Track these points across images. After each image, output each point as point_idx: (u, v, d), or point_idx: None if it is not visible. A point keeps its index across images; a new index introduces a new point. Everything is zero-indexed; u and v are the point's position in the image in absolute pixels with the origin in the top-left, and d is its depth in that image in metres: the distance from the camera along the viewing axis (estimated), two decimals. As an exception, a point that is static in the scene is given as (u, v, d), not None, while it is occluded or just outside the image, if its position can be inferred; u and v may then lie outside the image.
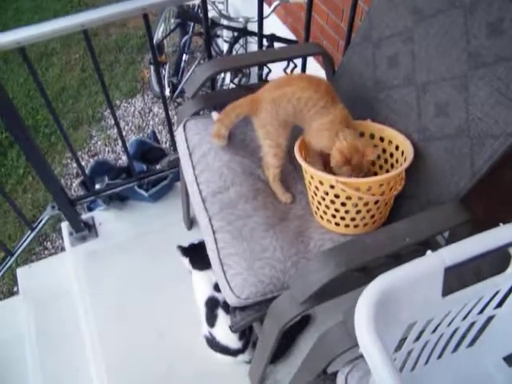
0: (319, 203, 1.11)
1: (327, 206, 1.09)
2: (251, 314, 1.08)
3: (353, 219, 1.09)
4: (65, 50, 3.79)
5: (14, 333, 1.76)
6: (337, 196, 1.06)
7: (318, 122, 1.14)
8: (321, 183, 1.06)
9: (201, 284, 1.45)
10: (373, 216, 1.09)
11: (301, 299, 0.94)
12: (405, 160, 1.11)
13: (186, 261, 1.47)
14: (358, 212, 1.07)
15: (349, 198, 1.05)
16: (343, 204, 1.06)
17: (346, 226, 1.11)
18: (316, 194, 1.10)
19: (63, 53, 3.77)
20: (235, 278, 1.07)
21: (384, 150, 1.21)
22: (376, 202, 1.06)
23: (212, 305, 1.41)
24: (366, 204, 1.06)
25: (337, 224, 1.12)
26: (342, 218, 1.10)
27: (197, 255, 1.44)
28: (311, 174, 1.08)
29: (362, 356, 0.64)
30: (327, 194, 1.07)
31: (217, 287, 1.39)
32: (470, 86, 1.04)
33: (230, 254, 1.10)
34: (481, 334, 0.96)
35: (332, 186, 1.04)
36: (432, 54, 1.13)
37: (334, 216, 1.11)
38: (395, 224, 1.02)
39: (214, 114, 1.32)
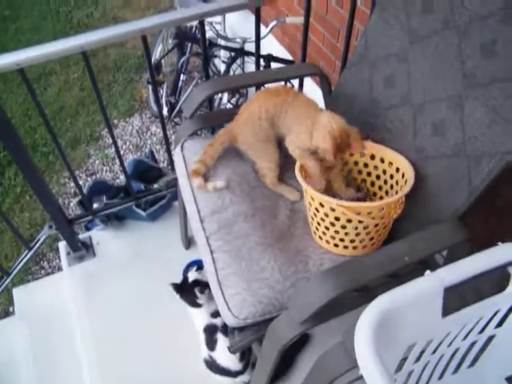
0: (318, 224, 1.11)
1: (327, 228, 1.09)
2: (250, 335, 1.07)
3: (352, 241, 1.09)
4: (63, 70, 3.81)
5: (10, 353, 1.73)
6: (337, 219, 1.05)
7: (292, 119, 1.18)
8: (321, 205, 1.06)
9: (197, 314, 1.45)
10: (372, 238, 1.09)
11: (300, 320, 0.94)
12: (405, 183, 1.11)
13: (177, 296, 1.46)
14: (358, 234, 1.07)
15: (349, 220, 1.04)
16: (343, 226, 1.06)
17: (345, 247, 1.11)
18: (316, 215, 1.10)
19: (62, 73, 3.80)
20: (234, 299, 1.06)
21: (384, 171, 1.22)
22: (376, 225, 1.06)
23: (211, 331, 1.40)
24: (366, 227, 1.06)
25: (336, 245, 1.12)
26: (342, 240, 1.10)
27: (189, 294, 1.42)
28: (312, 195, 1.08)
29: (362, 377, 0.64)
30: (327, 215, 1.06)
31: (213, 314, 1.39)
32: (466, 105, 1.05)
33: (229, 274, 1.10)
34: (482, 353, 0.96)
35: (332, 209, 1.04)
36: (427, 75, 1.14)
37: (333, 237, 1.10)
38: (394, 244, 1.02)
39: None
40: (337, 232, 1.08)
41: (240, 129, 1.25)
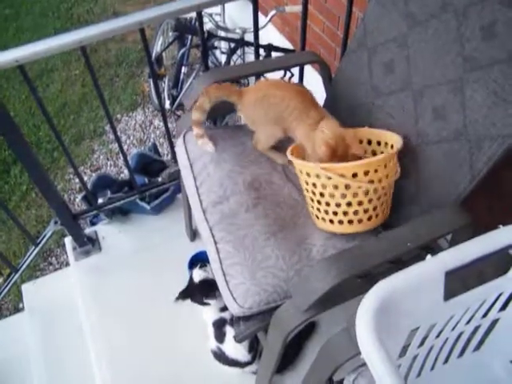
0: (312, 200, 1.11)
1: (319, 202, 1.09)
2: (255, 324, 1.08)
3: (345, 213, 1.07)
4: (65, 67, 3.82)
5: (20, 349, 1.75)
6: (324, 186, 1.05)
7: (300, 132, 1.19)
8: (308, 175, 1.07)
9: (206, 309, 1.46)
10: (366, 211, 1.07)
11: (303, 307, 0.94)
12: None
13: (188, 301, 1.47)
14: (349, 205, 1.06)
15: (336, 187, 1.04)
16: (331, 195, 1.05)
17: (340, 222, 1.09)
18: (308, 191, 1.11)
19: (64, 69, 3.80)
20: (238, 288, 1.07)
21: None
22: (366, 194, 1.05)
23: (219, 325, 1.41)
24: (356, 195, 1.04)
25: (331, 221, 1.10)
26: (335, 213, 1.08)
27: (197, 296, 1.43)
28: (295, 164, 1.10)
29: (367, 363, 0.64)
30: (315, 185, 1.07)
31: (222, 309, 1.40)
32: (466, 89, 1.04)
33: (233, 264, 1.10)
34: (486, 337, 0.96)
35: (318, 176, 1.04)
36: (427, 59, 1.13)
37: (326, 212, 1.09)
38: (396, 229, 1.02)
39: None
40: (328, 204, 1.07)
41: (251, 101, 1.25)
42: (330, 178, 1.02)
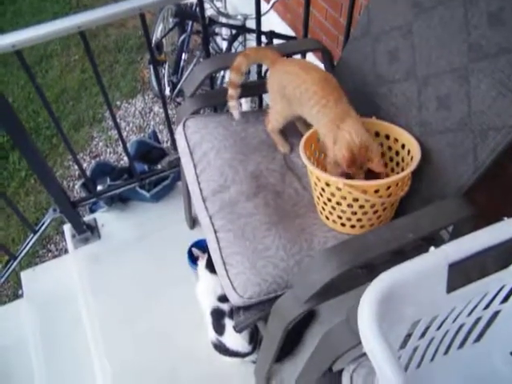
0: (325, 203, 1.10)
1: (333, 207, 1.07)
2: (255, 314, 1.07)
3: (359, 220, 1.08)
4: (64, 52, 3.78)
5: (18, 335, 1.76)
6: (343, 198, 1.04)
7: (322, 123, 1.13)
8: (327, 185, 1.04)
9: (204, 296, 1.45)
10: (379, 217, 1.08)
11: (304, 298, 0.94)
12: (411, 159, 1.10)
13: (204, 258, 1.46)
14: (365, 213, 1.06)
15: (356, 199, 1.03)
16: (350, 205, 1.04)
17: (352, 226, 1.10)
18: (322, 195, 1.09)
19: (63, 54, 3.76)
20: (238, 278, 1.06)
21: (390, 148, 1.20)
22: (383, 204, 1.05)
23: (218, 316, 1.41)
24: (373, 206, 1.04)
25: (343, 224, 1.10)
26: (349, 219, 1.08)
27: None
28: (317, 175, 1.06)
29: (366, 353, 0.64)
30: (334, 195, 1.05)
31: (221, 299, 1.39)
32: (472, 78, 1.02)
33: (233, 253, 1.10)
34: (487, 329, 0.95)
35: (339, 188, 1.02)
36: (432, 47, 1.12)
37: (340, 217, 1.09)
38: (398, 220, 1.01)
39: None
40: (343, 211, 1.07)
41: (276, 73, 1.22)
42: (351, 193, 1.01)
